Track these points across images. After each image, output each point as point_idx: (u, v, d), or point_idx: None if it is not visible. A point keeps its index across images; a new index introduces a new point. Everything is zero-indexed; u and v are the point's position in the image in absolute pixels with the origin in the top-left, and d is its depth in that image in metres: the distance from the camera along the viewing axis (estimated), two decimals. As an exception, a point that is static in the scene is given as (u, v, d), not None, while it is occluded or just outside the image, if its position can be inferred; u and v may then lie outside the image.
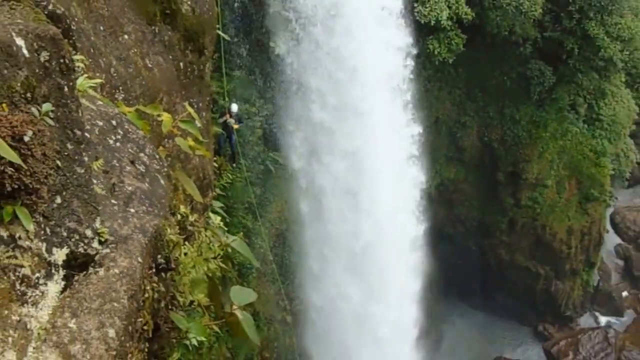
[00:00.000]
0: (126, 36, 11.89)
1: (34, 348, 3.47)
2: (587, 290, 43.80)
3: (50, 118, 3.81)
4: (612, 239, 47.78)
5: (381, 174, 30.10)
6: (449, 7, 32.07)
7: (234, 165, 26.24)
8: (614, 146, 41.84)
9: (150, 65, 12.45)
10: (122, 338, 3.74)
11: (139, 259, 4.17)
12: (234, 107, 24.61)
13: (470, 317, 41.81)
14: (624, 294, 45.49)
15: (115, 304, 3.81)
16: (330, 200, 30.34)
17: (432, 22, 31.79)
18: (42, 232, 3.68)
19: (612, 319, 44.01)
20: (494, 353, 41.62)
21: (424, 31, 32.81)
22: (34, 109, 3.69)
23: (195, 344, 5.39)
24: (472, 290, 41.85)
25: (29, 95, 3.69)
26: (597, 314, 44.46)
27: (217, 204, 11.09)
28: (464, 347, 40.67)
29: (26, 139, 3.50)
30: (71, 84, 4.10)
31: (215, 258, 5.54)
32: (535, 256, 41.18)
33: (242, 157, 26.51)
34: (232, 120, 24.36)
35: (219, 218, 6.42)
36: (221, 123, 24.71)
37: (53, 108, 3.83)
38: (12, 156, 3.36)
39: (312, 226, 30.62)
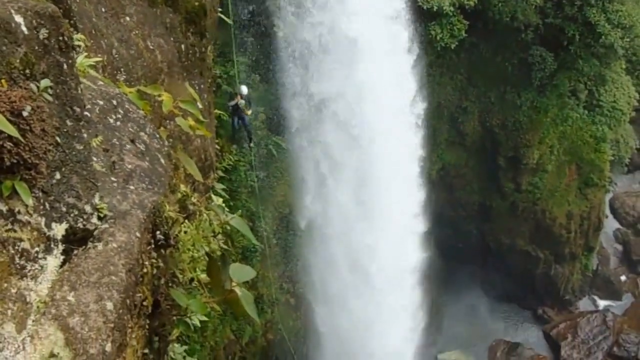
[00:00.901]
0: (128, 18, 11.90)
1: (33, 321, 3.49)
2: (586, 274, 44.03)
3: (49, 94, 3.81)
4: (611, 224, 47.93)
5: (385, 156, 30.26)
6: (452, -7, 32.14)
7: (251, 145, 26.42)
8: (613, 132, 41.92)
9: (151, 47, 12.45)
10: (120, 311, 3.77)
11: (137, 234, 4.18)
12: (244, 89, 24.77)
13: (471, 301, 41.97)
14: (623, 278, 45.68)
15: (113, 278, 3.83)
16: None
17: (435, 8, 31.78)
18: (42, 207, 3.69)
19: (611, 303, 44.22)
20: (494, 336, 41.85)
21: (426, 17, 32.78)
22: (32, 85, 3.69)
23: (197, 323, 5.42)
24: (472, 274, 42.00)
25: (27, 71, 3.69)
26: (595, 297, 44.69)
27: (219, 186, 11.11)
28: (465, 330, 40.89)
29: (25, 114, 3.50)
30: (70, 61, 4.10)
31: (215, 236, 5.56)
32: (535, 240, 41.31)
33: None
34: (242, 102, 24.53)
35: (220, 200, 6.43)
36: (232, 106, 24.89)
37: (52, 84, 3.83)
38: (11, 130, 3.37)
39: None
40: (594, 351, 40.58)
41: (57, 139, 3.85)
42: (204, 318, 5.55)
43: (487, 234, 41.87)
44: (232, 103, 24.81)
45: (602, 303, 44.32)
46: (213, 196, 6.40)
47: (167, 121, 8.68)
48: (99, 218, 4.15)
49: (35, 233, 3.62)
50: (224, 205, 6.23)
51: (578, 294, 44.13)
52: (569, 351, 40.57)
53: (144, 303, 4.32)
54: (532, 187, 39.80)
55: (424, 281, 35.12)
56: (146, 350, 4.74)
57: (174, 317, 5.15)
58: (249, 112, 25.18)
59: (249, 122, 25.74)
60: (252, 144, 26.65)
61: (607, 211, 46.94)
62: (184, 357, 6.42)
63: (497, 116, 38.93)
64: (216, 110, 21.31)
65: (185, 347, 6.64)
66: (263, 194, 28.52)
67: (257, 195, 27.63)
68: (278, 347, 32.19)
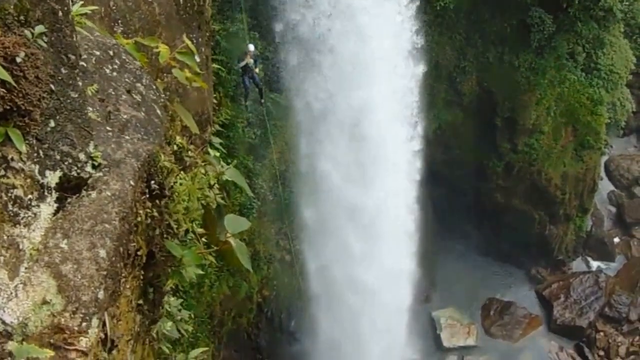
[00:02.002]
0: (124, -31, 11.76)
1: (25, 268, 3.49)
2: (579, 235, 44.23)
3: (44, 41, 3.77)
4: (605, 186, 48.04)
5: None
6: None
7: (262, 101, 26.73)
8: (610, 95, 41.86)
9: (149, -1, 12.35)
10: (113, 259, 3.76)
11: (131, 183, 4.17)
12: (251, 47, 24.86)
13: (465, 259, 42.15)
14: (616, 239, 45.92)
15: (106, 225, 3.82)
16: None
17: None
18: (35, 154, 3.67)
19: (603, 264, 44.47)
20: (487, 294, 42.13)
21: (425, -25, 32.57)
22: (27, 32, 3.65)
23: (193, 277, 5.43)
24: (467, 233, 42.19)
25: (22, 18, 3.64)
26: (588, 258, 44.92)
27: (216, 140, 11.08)
28: (458, 288, 41.13)
29: (18, 60, 3.46)
30: (66, 8, 4.05)
31: (211, 188, 5.55)
32: (530, 201, 41.43)
33: (245, 99, 26.74)
34: (251, 61, 24.67)
35: (217, 153, 6.41)
36: (242, 67, 25.01)
37: (46, 31, 3.79)
38: (4, 75, 3.33)
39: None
40: (585, 311, 40.92)
41: (52, 86, 3.82)
42: (200, 271, 5.56)
43: (482, 194, 41.94)
44: (242, 64, 24.95)
45: (594, 264, 44.56)
46: (210, 150, 6.38)
47: (164, 74, 8.63)
48: (93, 166, 4.13)
49: (28, 180, 3.60)
50: (218, 157, 6.22)
51: (571, 254, 44.39)
52: (561, 311, 40.91)
53: (138, 253, 4.32)
54: (528, 148, 39.80)
55: (419, 239, 35.23)
56: (141, 301, 4.76)
57: (169, 269, 5.16)
58: (257, 69, 25.32)
59: (260, 79, 25.88)
60: (263, 100, 26.84)
61: (602, 173, 47.04)
62: (179, 310, 6.45)
63: (494, 77, 38.80)
64: (214, 65, 21.24)
65: (180, 300, 6.68)
66: (260, 151, 28.51)
67: (271, 142, 27.86)
68: (273, 303, 32.43)
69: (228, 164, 6.04)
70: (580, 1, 35.44)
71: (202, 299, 24.29)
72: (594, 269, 44.04)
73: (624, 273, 43.45)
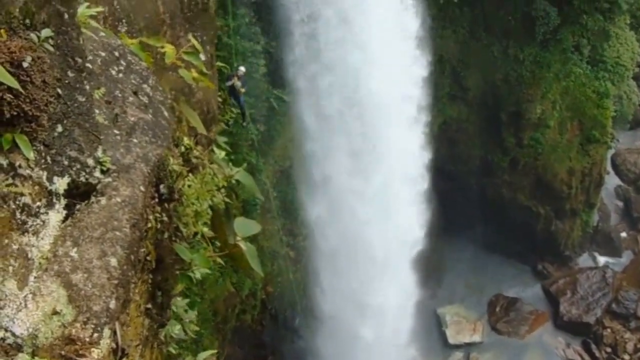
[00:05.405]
0: (128, -33, 11.69)
1: (35, 277, 3.44)
2: (586, 230, 44.06)
3: (50, 45, 3.72)
4: (612, 181, 47.84)
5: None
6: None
7: (243, 124, 26.45)
8: (616, 88, 41.72)
9: (153, -2, 12.29)
10: (124, 267, 3.71)
11: (141, 188, 4.11)
12: (242, 70, 24.79)
13: (471, 255, 42.10)
14: (623, 234, 45.74)
15: (117, 233, 3.77)
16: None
17: (438, -41, 31.50)
18: (43, 160, 3.61)
19: (610, 259, 44.28)
20: (493, 290, 42.03)
21: (429, -31, 32.44)
22: (33, 35, 3.60)
23: (199, 277, 5.39)
24: (472, 228, 42.03)
25: (27, 21, 3.60)
26: (595, 254, 44.75)
27: (221, 139, 11.05)
28: (464, 284, 41.12)
29: (25, 65, 3.41)
30: (71, 11, 4.01)
31: (219, 190, 5.50)
32: (536, 196, 41.34)
33: (246, 94, 26.62)
34: (239, 84, 24.59)
35: (223, 153, 6.38)
36: (228, 87, 24.92)
37: (53, 34, 3.73)
38: (11, 81, 3.28)
39: None
40: (592, 307, 40.81)
41: (59, 90, 3.77)
42: (207, 271, 5.52)
43: (487, 189, 41.84)
44: (229, 83, 24.85)
45: (601, 259, 44.38)
46: (215, 149, 6.34)
47: (170, 72, 8.59)
48: (102, 172, 4.07)
49: (36, 187, 3.54)
50: (226, 158, 6.18)
51: (578, 250, 44.22)
52: (568, 307, 40.80)
53: (148, 258, 4.27)
54: (533, 142, 39.70)
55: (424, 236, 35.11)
56: (149, 305, 4.71)
57: (177, 272, 5.11)
58: (243, 90, 25.18)
59: (244, 101, 25.74)
60: (245, 124, 26.67)
61: (609, 167, 46.85)
62: (186, 311, 6.40)
63: (499, 71, 38.70)
64: (218, 63, 21.21)
65: (187, 300, 6.64)
66: (263, 148, 28.46)
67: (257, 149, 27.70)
68: (278, 299, 32.41)
69: (232, 160, 6.01)
70: (585, -7, 35.43)
71: (206, 296, 24.27)
72: (601, 264, 43.85)
73: (632, 269, 43.30)
